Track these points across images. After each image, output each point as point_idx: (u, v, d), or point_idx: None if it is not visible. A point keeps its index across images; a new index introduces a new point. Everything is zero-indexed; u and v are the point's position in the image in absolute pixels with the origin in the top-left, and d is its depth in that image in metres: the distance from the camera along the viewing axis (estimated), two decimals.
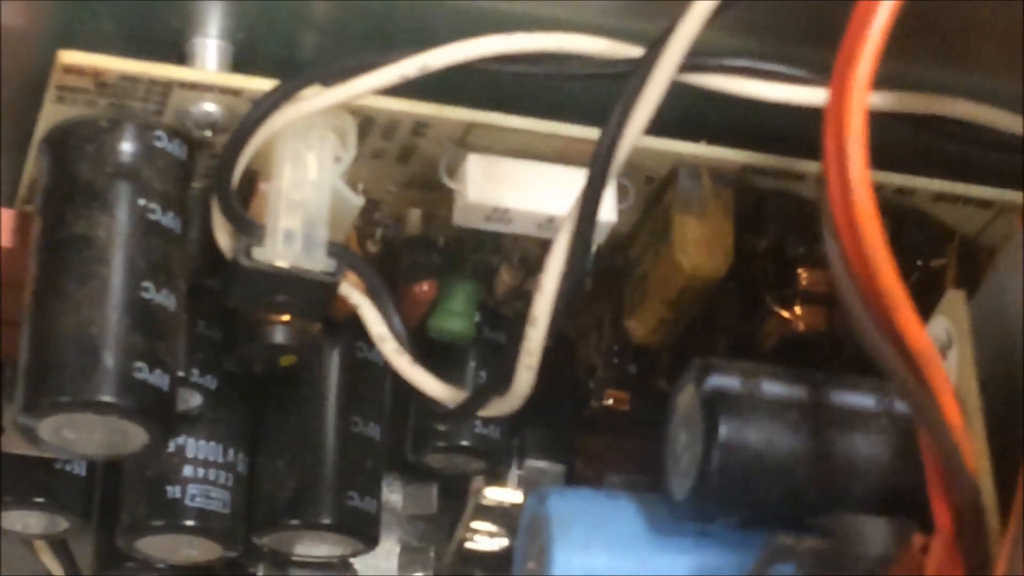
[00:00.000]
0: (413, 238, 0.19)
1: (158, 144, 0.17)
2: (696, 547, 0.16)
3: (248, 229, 0.17)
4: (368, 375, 0.20)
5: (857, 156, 0.11)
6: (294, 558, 0.20)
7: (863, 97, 0.11)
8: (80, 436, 0.19)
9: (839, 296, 0.12)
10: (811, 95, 0.16)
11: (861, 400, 0.15)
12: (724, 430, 0.15)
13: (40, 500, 0.21)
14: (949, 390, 0.14)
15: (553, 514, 0.17)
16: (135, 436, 0.18)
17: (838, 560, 0.14)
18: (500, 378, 0.17)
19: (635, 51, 0.16)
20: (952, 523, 0.14)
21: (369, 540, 0.21)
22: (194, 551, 0.20)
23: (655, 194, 0.18)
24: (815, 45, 0.16)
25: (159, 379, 0.18)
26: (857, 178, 0.11)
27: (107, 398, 0.18)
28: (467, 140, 0.18)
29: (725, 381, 0.15)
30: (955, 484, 0.14)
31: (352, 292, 0.18)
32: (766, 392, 0.15)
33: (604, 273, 0.19)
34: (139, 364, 0.18)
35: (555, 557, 0.15)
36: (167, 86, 0.17)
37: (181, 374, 0.19)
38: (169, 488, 0.21)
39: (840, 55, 0.12)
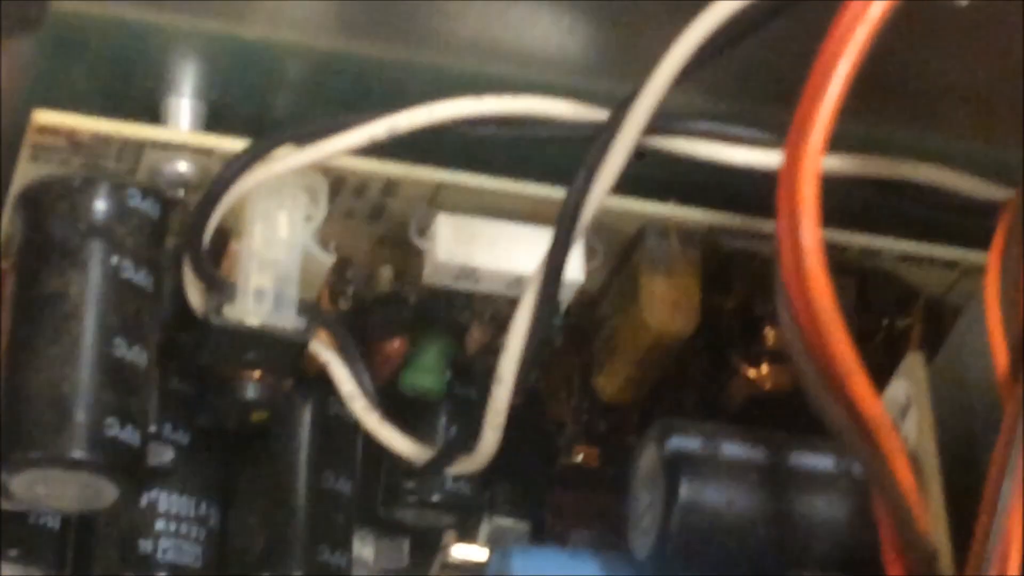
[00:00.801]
0: (384, 295, 0.19)
1: (131, 203, 0.17)
2: None
3: (219, 287, 0.17)
4: (339, 430, 0.20)
5: (809, 223, 0.11)
6: None
7: (816, 164, 0.11)
8: (52, 491, 0.19)
9: (793, 360, 0.12)
10: (773, 158, 0.16)
11: (821, 461, 0.15)
12: (684, 491, 0.14)
13: (13, 553, 0.20)
14: (903, 455, 0.13)
15: (516, 573, 0.17)
16: (106, 491, 0.18)
17: None
18: (467, 436, 0.17)
19: (601, 114, 0.16)
20: None
21: None
22: None
23: (623, 254, 0.18)
24: (783, 105, 0.16)
25: (130, 435, 0.17)
26: (808, 245, 0.11)
27: (78, 455, 0.18)
28: (437, 200, 0.18)
29: (686, 442, 0.15)
30: (909, 546, 0.14)
31: (322, 350, 0.18)
32: (726, 453, 0.15)
33: (573, 330, 0.19)
34: (110, 420, 0.17)
35: None
36: (140, 145, 0.17)
37: (153, 429, 0.19)
38: (141, 542, 0.21)
39: (794, 121, 0.12)
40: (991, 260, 0.15)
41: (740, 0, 0.14)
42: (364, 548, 0.21)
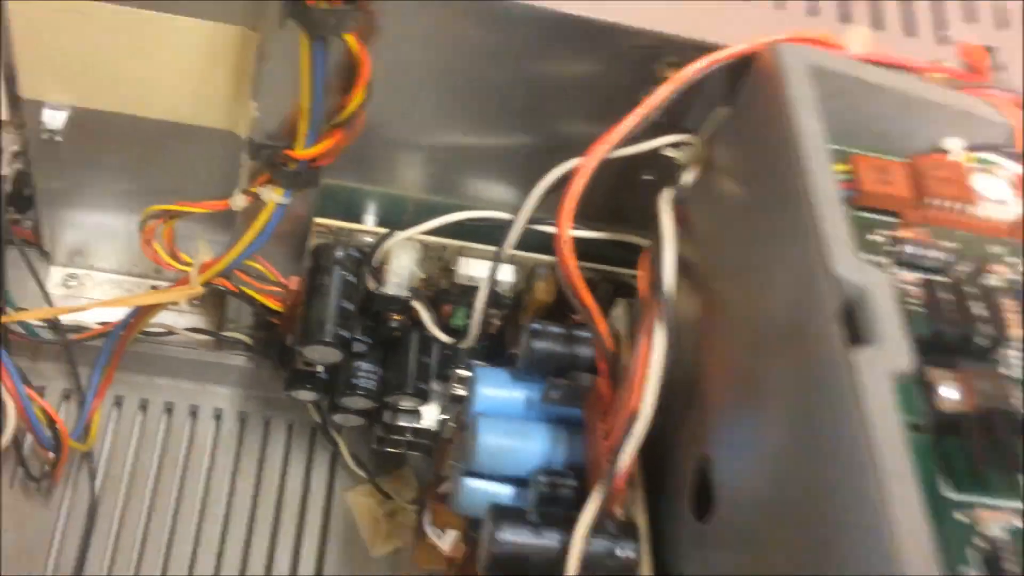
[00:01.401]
0: (443, 289, 0.45)
1: (348, 253, 0.44)
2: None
3: (379, 279, 0.44)
4: (427, 339, 0.45)
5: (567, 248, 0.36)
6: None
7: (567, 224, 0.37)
8: (320, 356, 0.44)
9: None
10: None
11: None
12: (533, 343, 0.39)
13: (308, 385, 0.46)
14: (604, 324, 0.37)
15: (478, 380, 0.35)
16: (335, 356, 0.44)
17: None
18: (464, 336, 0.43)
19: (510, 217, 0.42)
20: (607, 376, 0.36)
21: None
22: (359, 405, 0.47)
23: (527, 274, 0.45)
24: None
25: (346, 335, 0.44)
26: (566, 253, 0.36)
27: (328, 339, 0.42)
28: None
29: (541, 328, 0.38)
30: (605, 356, 0.36)
31: (419, 306, 0.44)
32: (552, 330, 0.39)
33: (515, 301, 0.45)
34: (339, 329, 0.43)
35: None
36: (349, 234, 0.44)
37: (356, 336, 0.45)
38: (352, 380, 0.44)
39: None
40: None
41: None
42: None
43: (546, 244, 0.38)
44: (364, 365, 0.45)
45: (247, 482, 0.52)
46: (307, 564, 0.51)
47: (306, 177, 0.38)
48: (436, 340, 0.44)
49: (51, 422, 0.44)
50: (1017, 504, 0.24)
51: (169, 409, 0.53)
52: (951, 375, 0.25)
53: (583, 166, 0.31)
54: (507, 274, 0.42)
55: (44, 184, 0.48)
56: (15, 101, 0.43)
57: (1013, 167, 0.31)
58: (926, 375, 0.26)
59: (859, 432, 0.22)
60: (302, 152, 0.37)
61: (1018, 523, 0.24)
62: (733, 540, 0.28)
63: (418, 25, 0.35)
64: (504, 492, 0.35)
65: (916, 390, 0.26)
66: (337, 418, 0.47)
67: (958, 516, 0.24)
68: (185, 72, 0.40)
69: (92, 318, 0.47)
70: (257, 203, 0.40)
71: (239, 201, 0.40)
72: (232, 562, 0.50)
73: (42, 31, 0.39)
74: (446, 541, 0.41)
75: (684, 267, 0.33)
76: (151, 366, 0.52)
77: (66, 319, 0.47)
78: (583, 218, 0.34)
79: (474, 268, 0.42)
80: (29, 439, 0.47)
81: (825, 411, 0.24)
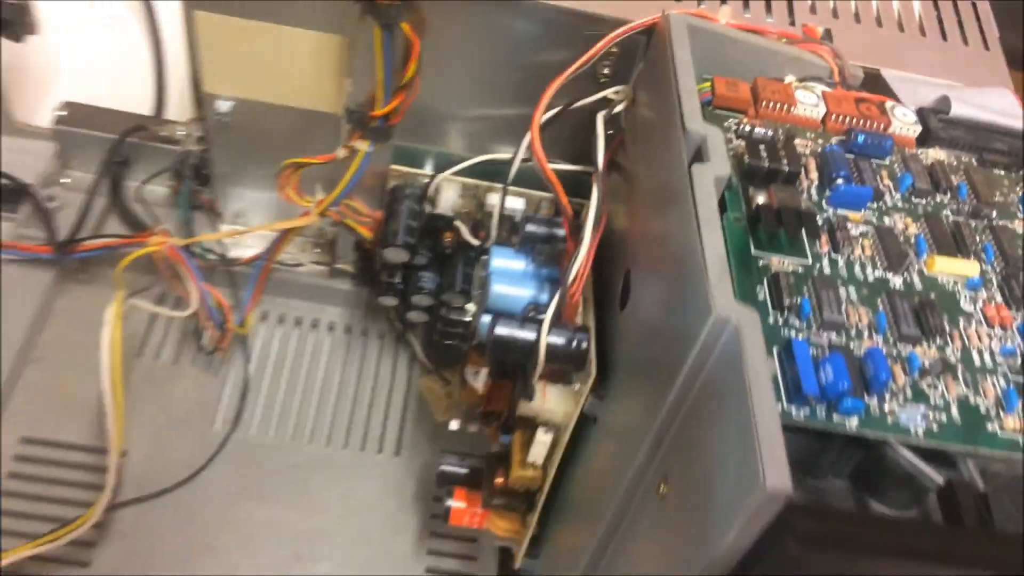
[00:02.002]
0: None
1: (413, 190, 0.54)
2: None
3: (433, 204, 0.53)
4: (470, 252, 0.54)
5: (537, 143, 0.46)
6: None
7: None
8: (392, 255, 0.55)
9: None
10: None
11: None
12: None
13: (390, 293, 0.57)
14: (562, 192, 0.45)
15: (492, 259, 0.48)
16: (404, 256, 0.54)
17: None
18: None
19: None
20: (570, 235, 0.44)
21: None
22: (423, 303, 0.55)
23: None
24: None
25: (411, 240, 0.53)
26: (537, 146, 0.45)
27: (399, 242, 0.53)
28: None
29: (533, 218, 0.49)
30: (567, 218, 0.45)
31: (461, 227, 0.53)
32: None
33: None
34: (408, 237, 0.52)
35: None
36: (414, 177, 0.54)
37: (419, 249, 0.53)
38: (419, 284, 0.55)
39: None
40: None
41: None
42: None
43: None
44: (426, 274, 0.54)
45: (352, 373, 0.61)
46: (393, 427, 0.59)
47: (384, 131, 0.48)
48: (475, 255, 0.52)
49: (220, 307, 0.54)
50: (796, 257, 0.32)
51: (298, 321, 0.62)
52: (763, 189, 0.34)
53: (544, 94, 0.40)
54: (518, 203, 0.50)
55: (219, 162, 0.58)
56: (199, 97, 0.54)
57: (824, 88, 0.39)
58: (747, 190, 0.34)
59: (691, 212, 0.31)
60: (380, 110, 0.46)
61: (798, 268, 0.32)
62: (633, 314, 0.37)
63: (452, 20, 0.44)
64: None
65: (741, 198, 0.34)
66: (410, 315, 0.56)
67: (759, 263, 0.32)
68: (308, 70, 0.50)
69: (247, 253, 0.57)
70: (352, 154, 0.49)
71: (341, 153, 0.50)
72: (341, 426, 0.58)
73: (218, 42, 0.49)
74: (479, 380, 0.49)
75: (617, 167, 0.42)
76: (285, 289, 0.61)
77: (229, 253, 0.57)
78: (561, 158, 0.42)
79: (496, 199, 0.51)
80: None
81: (677, 207, 0.32)
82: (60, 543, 0.48)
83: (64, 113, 0.59)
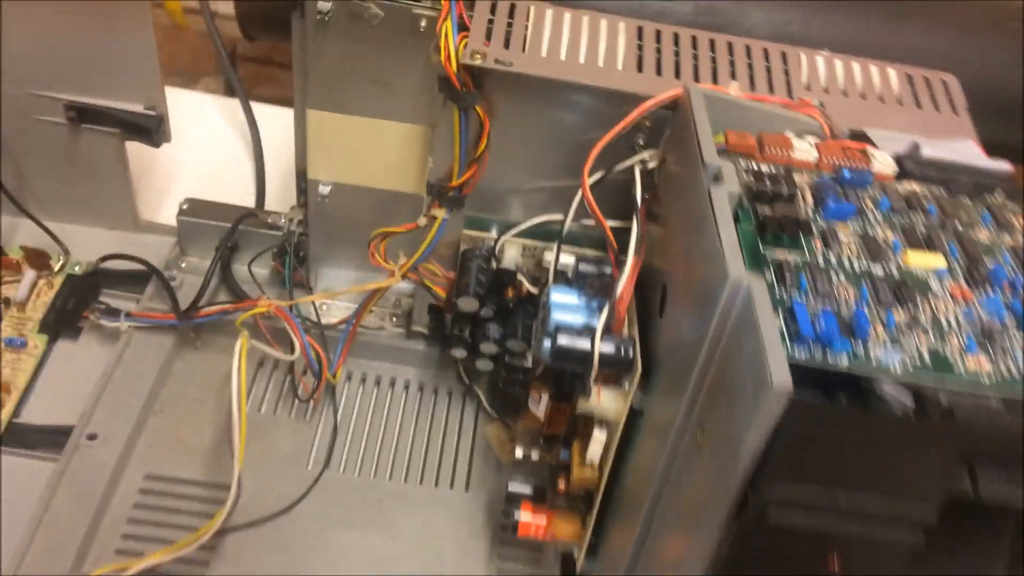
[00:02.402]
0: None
1: (481, 251, 0.63)
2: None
3: (498, 261, 0.62)
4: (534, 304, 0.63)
5: (587, 190, 0.55)
6: None
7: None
8: (465, 304, 0.63)
9: None
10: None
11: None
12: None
13: (460, 345, 0.65)
14: (607, 227, 0.54)
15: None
16: (475, 304, 0.62)
17: None
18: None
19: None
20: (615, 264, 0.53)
21: None
22: (490, 351, 0.63)
23: None
24: None
25: (481, 291, 0.61)
26: (588, 192, 0.54)
27: (470, 292, 0.62)
28: None
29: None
30: (611, 249, 0.53)
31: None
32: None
33: None
34: (478, 288, 0.61)
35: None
36: (482, 240, 0.63)
37: (487, 303, 0.62)
38: (485, 333, 0.63)
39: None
40: None
41: None
42: None
43: (593, 240, 0.56)
44: (492, 325, 0.62)
45: (425, 422, 0.68)
46: (462, 467, 0.66)
47: (458, 200, 0.57)
48: (534, 310, 0.60)
49: (318, 357, 0.62)
50: (796, 252, 0.40)
51: (378, 380, 0.70)
52: (768, 206, 0.42)
53: (591, 154, 0.49)
54: (570, 259, 0.58)
55: (314, 242, 0.68)
56: (301, 185, 0.64)
57: (817, 140, 0.48)
58: (756, 208, 0.42)
59: (711, 220, 0.39)
60: (456, 182, 0.56)
61: (797, 260, 0.40)
62: (669, 318, 0.44)
63: (513, 103, 0.54)
64: None
65: (751, 213, 0.42)
66: (478, 364, 0.64)
67: (767, 257, 0.40)
68: (395, 156, 0.61)
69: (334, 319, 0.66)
70: (431, 222, 0.59)
71: (422, 221, 0.59)
72: (416, 466, 0.65)
73: (323, 135, 0.60)
74: (540, 407, 0.57)
75: (653, 216, 0.50)
76: (368, 351, 0.70)
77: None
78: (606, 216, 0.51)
79: (550, 256, 0.59)
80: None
81: (701, 221, 0.41)
82: (181, 552, 0.54)
83: (186, 207, 0.70)
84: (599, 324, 0.47)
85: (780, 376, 0.31)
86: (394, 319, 0.70)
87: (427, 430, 0.67)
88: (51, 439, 0.62)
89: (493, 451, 0.67)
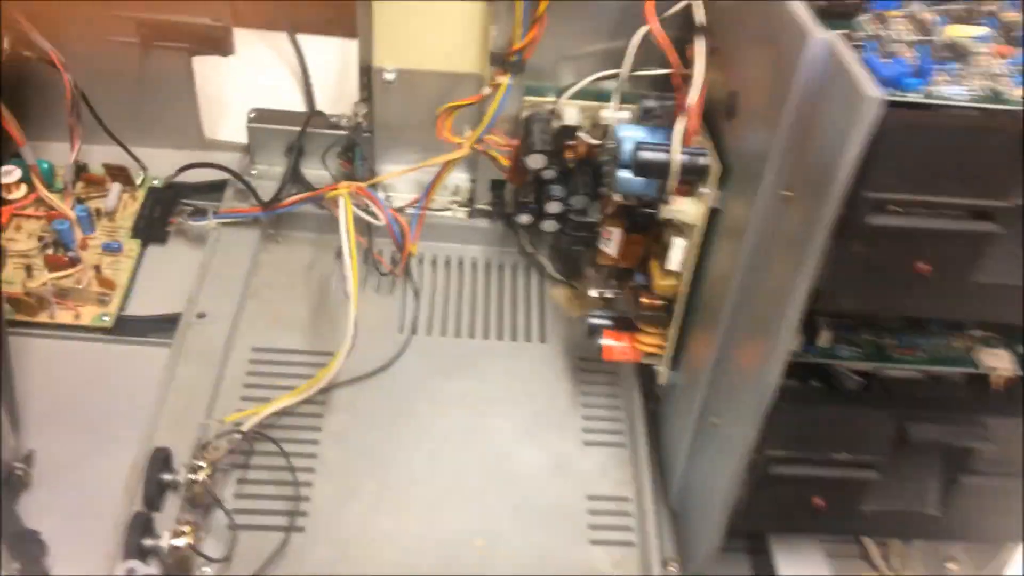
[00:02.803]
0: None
1: (542, 114, 0.68)
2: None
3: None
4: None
5: (652, 15, 0.59)
6: None
7: None
8: (533, 161, 0.67)
9: None
10: None
11: None
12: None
13: (525, 211, 0.69)
14: (673, 51, 0.59)
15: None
16: (542, 161, 0.67)
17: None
18: None
19: None
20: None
21: None
22: (554, 209, 0.68)
23: None
24: None
25: (547, 148, 0.66)
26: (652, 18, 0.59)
27: (537, 148, 0.65)
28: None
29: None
30: (679, 73, 0.58)
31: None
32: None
33: None
34: (543, 146, 0.66)
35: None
36: (542, 105, 0.68)
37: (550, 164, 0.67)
38: (549, 194, 0.67)
39: None
40: None
41: None
42: None
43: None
44: (555, 186, 0.67)
45: (494, 291, 0.73)
46: (536, 324, 0.71)
47: (519, 65, 0.62)
48: (593, 170, 0.64)
49: (401, 228, 0.67)
50: (854, 29, 0.45)
51: (447, 261, 0.75)
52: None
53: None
54: (625, 114, 0.63)
55: (380, 134, 0.72)
56: (365, 79, 0.68)
57: None
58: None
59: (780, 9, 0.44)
60: (518, 44, 0.61)
61: (860, 33, 0.45)
62: (743, 117, 0.49)
63: None
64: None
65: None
66: (543, 225, 0.69)
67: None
68: (455, 37, 0.65)
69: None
70: (495, 91, 0.64)
71: (486, 90, 0.64)
72: (494, 327, 0.70)
73: (387, 22, 0.65)
74: (612, 244, 0.62)
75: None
76: (435, 233, 0.74)
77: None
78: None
79: (607, 113, 0.64)
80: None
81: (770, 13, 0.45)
82: (305, 395, 0.59)
83: (254, 115, 0.74)
84: (675, 135, 0.52)
85: (872, 90, 0.36)
86: (457, 201, 0.75)
87: (499, 297, 0.72)
88: (159, 326, 0.66)
89: (562, 310, 0.72)
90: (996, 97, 0.40)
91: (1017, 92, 0.41)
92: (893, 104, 0.36)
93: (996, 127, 0.37)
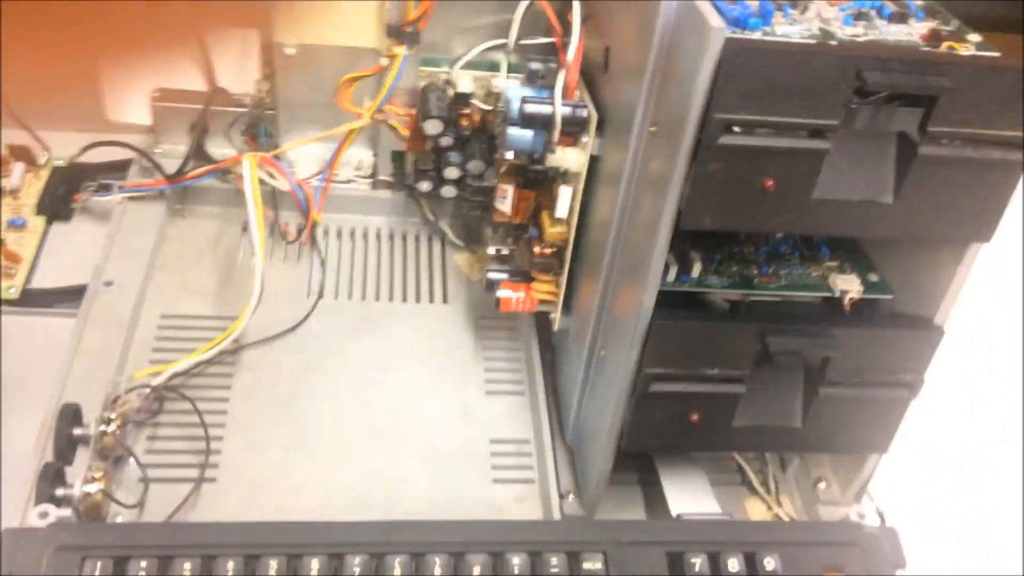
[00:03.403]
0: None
1: (436, 83, 0.72)
2: None
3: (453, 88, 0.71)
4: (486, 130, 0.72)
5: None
6: None
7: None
8: (431, 127, 0.72)
9: None
10: None
11: None
12: None
13: (424, 179, 0.73)
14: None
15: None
16: (439, 126, 0.71)
17: None
18: None
19: None
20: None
21: None
22: (452, 175, 0.71)
23: None
24: None
25: (443, 115, 0.70)
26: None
27: (434, 114, 0.70)
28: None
29: None
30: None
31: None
32: None
33: None
34: (440, 112, 0.70)
35: None
36: (436, 75, 0.72)
37: (445, 132, 0.72)
38: (447, 161, 0.72)
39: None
40: None
41: None
42: None
43: None
44: (452, 153, 0.70)
45: (399, 257, 0.76)
46: (439, 287, 0.74)
47: (415, 36, 0.66)
48: (487, 137, 0.68)
49: (306, 197, 0.69)
50: None
51: (352, 232, 0.78)
52: None
53: None
54: (514, 83, 0.67)
55: (283, 109, 0.75)
56: (267, 56, 0.71)
57: None
58: None
59: None
60: (412, 15, 0.64)
61: None
62: (615, 68, 0.54)
63: None
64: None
65: None
66: (443, 191, 0.72)
67: None
68: (351, 11, 0.69)
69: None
70: (392, 62, 0.67)
71: (384, 61, 0.67)
72: (398, 290, 0.73)
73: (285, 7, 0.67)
74: (507, 202, 0.65)
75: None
76: (339, 205, 0.77)
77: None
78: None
79: (499, 82, 0.68)
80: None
81: None
82: (208, 355, 0.61)
83: (158, 94, 0.76)
84: (557, 89, 0.56)
85: (717, 22, 0.41)
86: (360, 174, 0.78)
87: (403, 263, 0.75)
88: (65, 298, 0.67)
89: (464, 274, 0.75)
90: (824, 36, 0.45)
91: (847, 31, 0.46)
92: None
93: (820, 52, 0.42)
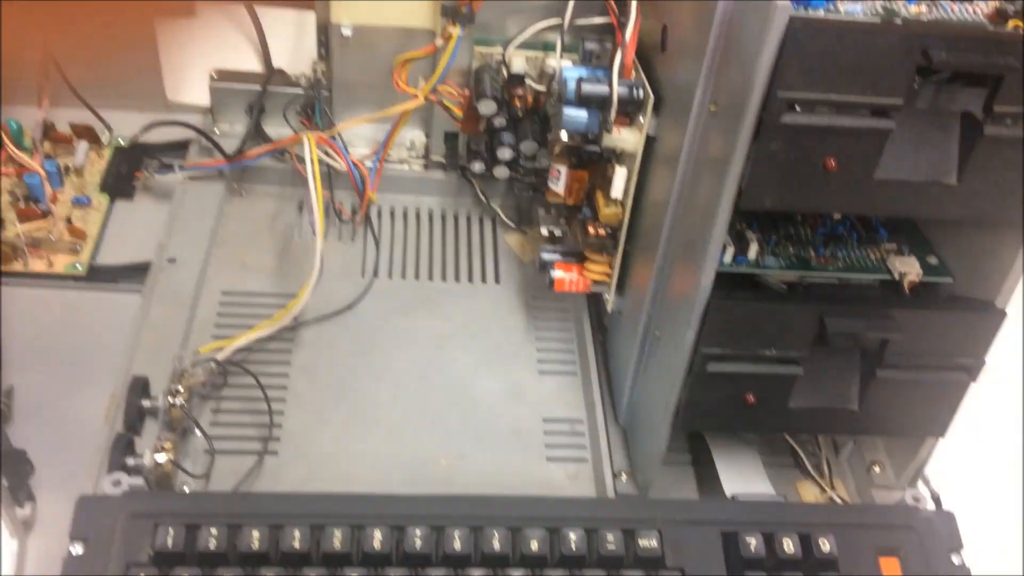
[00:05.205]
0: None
1: (491, 64, 0.72)
2: None
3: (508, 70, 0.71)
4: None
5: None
6: None
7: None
8: (484, 107, 0.73)
9: None
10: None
11: None
12: None
13: (478, 160, 0.74)
14: None
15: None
16: (493, 107, 0.72)
17: None
18: None
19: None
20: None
21: None
22: (506, 156, 0.73)
23: None
24: None
25: (496, 95, 0.71)
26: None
27: (488, 94, 0.71)
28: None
29: None
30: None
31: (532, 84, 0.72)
32: None
33: None
34: (494, 92, 0.71)
35: None
36: (491, 56, 0.72)
37: (499, 112, 0.73)
38: (500, 142, 0.73)
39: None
40: None
41: None
42: None
43: None
44: (505, 134, 0.71)
45: (451, 238, 0.77)
46: (491, 267, 0.76)
47: (470, 16, 0.67)
48: (541, 117, 0.69)
49: (362, 176, 0.71)
50: None
51: (405, 213, 0.79)
52: None
53: None
54: (568, 63, 0.68)
55: (337, 91, 0.76)
56: (323, 37, 0.72)
57: None
58: None
59: None
60: None
61: None
62: (673, 47, 0.54)
63: None
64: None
65: None
66: (496, 172, 0.73)
67: None
68: None
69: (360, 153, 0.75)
70: (447, 42, 0.68)
71: (439, 42, 0.68)
72: (451, 270, 0.74)
73: None
74: (560, 182, 0.66)
75: None
76: (392, 185, 0.78)
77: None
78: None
79: (552, 62, 0.68)
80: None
81: None
82: (269, 330, 0.63)
83: (216, 75, 0.78)
84: (614, 69, 0.57)
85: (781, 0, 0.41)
86: (414, 155, 0.79)
87: (455, 243, 0.77)
88: (130, 274, 0.70)
89: (515, 255, 0.76)
90: (888, 14, 0.45)
91: (912, 9, 0.46)
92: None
93: (884, 30, 0.42)
